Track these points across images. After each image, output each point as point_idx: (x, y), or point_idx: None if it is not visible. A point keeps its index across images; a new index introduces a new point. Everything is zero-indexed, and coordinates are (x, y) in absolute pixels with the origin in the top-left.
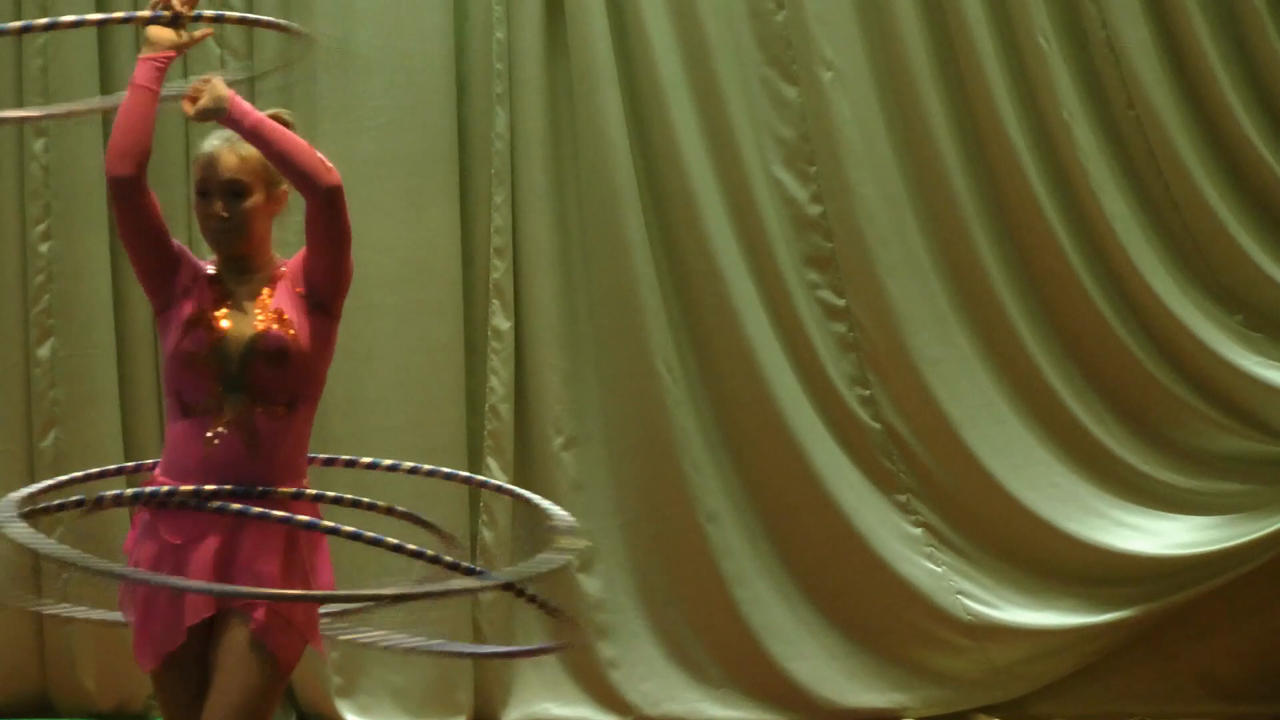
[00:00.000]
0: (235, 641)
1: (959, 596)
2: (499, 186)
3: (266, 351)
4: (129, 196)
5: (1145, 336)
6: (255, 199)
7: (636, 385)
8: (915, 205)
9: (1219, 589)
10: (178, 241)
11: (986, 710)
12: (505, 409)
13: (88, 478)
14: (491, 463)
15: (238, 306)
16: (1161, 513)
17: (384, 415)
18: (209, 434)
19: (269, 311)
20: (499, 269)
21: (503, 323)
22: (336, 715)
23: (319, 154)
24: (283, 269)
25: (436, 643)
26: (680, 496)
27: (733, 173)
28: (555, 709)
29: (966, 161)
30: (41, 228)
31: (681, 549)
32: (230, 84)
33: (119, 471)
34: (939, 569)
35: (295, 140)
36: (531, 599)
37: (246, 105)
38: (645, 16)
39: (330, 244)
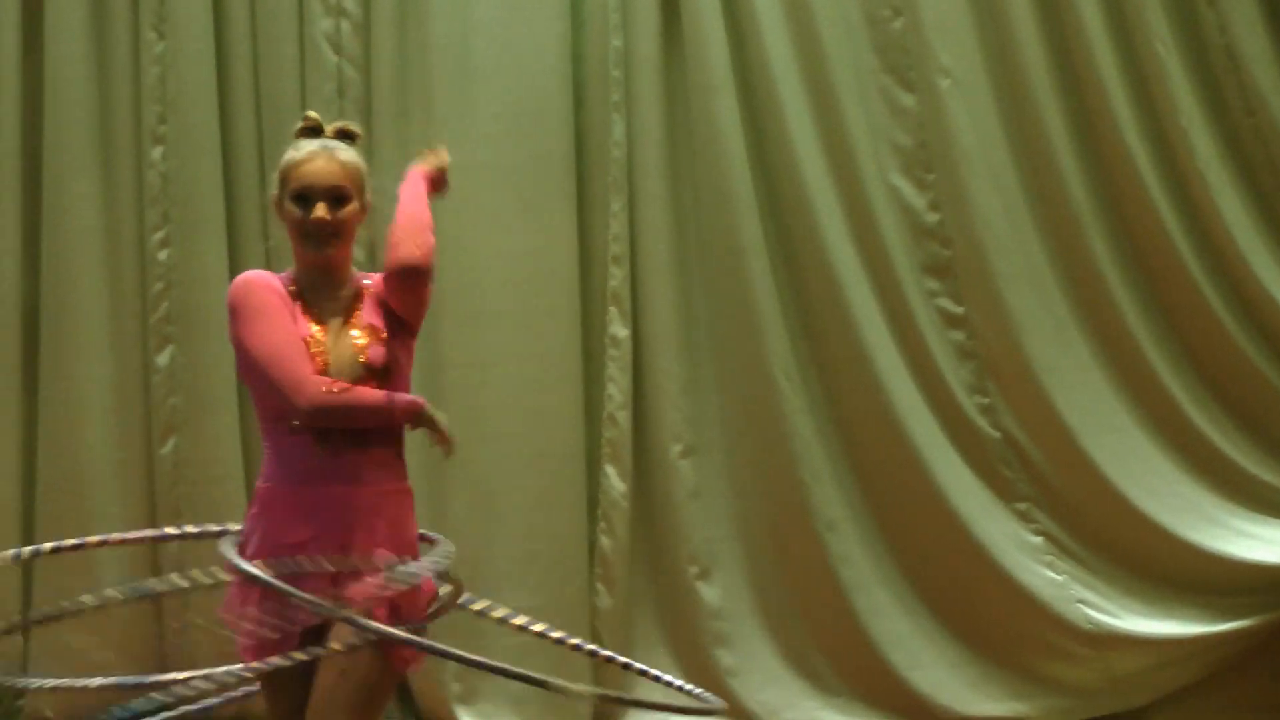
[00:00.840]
0: (350, 638)
1: (1079, 605)
2: (616, 194)
3: (371, 367)
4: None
5: (1266, 344)
6: (353, 206)
7: (754, 393)
8: (1033, 213)
9: None
10: (266, 278)
11: (1107, 719)
12: (623, 416)
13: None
14: (609, 470)
15: (335, 326)
16: (1269, 519)
17: (501, 422)
18: (322, 445)
19: (364, 327)
20: (616, 277)
21: (620, 330)
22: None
23: (428, 233)
24: (366, 282)
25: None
26: (799, 505)
27: (850, 180)
28: (674, 718)
29: (1084, 169)
30: (160, 235)
31: (800, 557)
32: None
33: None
34: (1059, 578)
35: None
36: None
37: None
38: (762, 24)
39: (410, 293)
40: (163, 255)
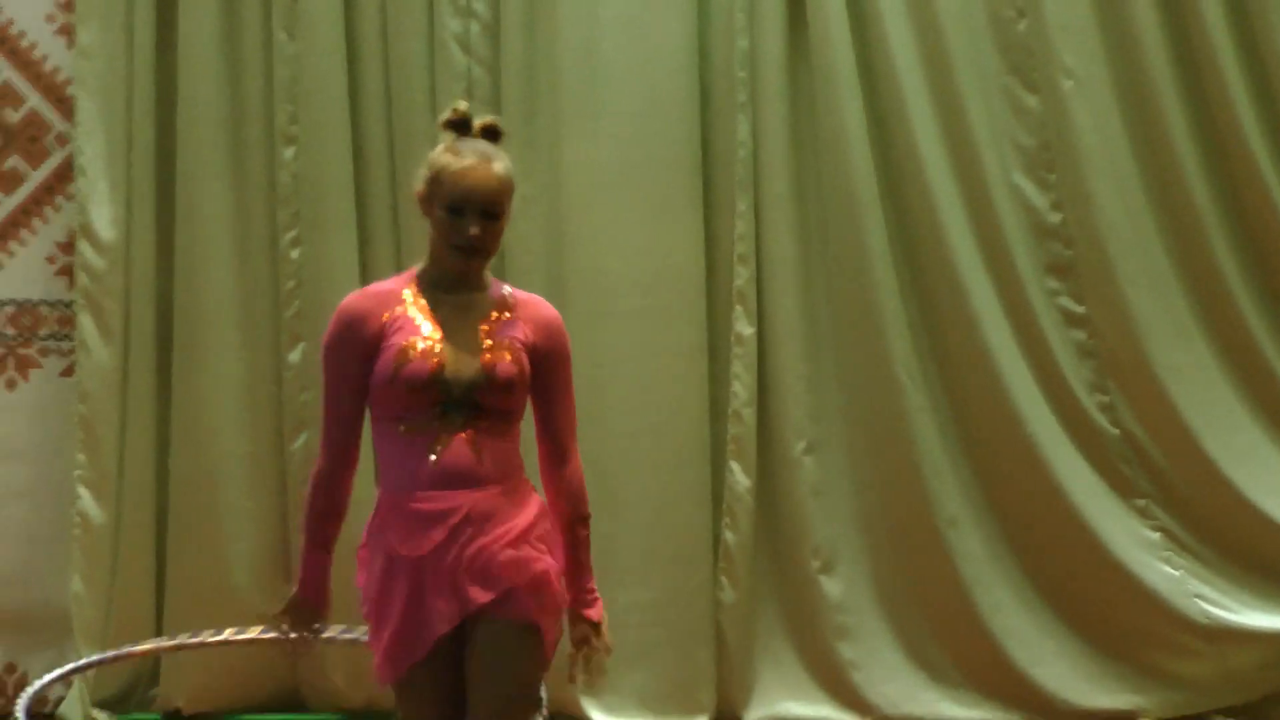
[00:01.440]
0: (503, 633)
1: (1196, 600)
2: (742, 194)
3: (493, 380)
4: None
5: None
6: (503, 222)
7: (877, 390)
8: (1155, 214)
9: None
10: (350, 344)
11: (1224, 713)
12: (748, 414)
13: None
14: (734, 466)
15: (455, 330)
16: None
17: (627, 420)
18: (436, 448)
19: (495, 338)
20: (742, 275)
21: (745, 328)
22: (584, 715)
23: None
24: (506, 291)
25: None
26: (920, 500)
27: (973, 180)
28: (796, 709)
29: (1207, 170)
30: (291, 234)
31: (921, 553)
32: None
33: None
34: (1176, 573)
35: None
36: None
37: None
38: (886, 24)
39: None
40: (294, 254)
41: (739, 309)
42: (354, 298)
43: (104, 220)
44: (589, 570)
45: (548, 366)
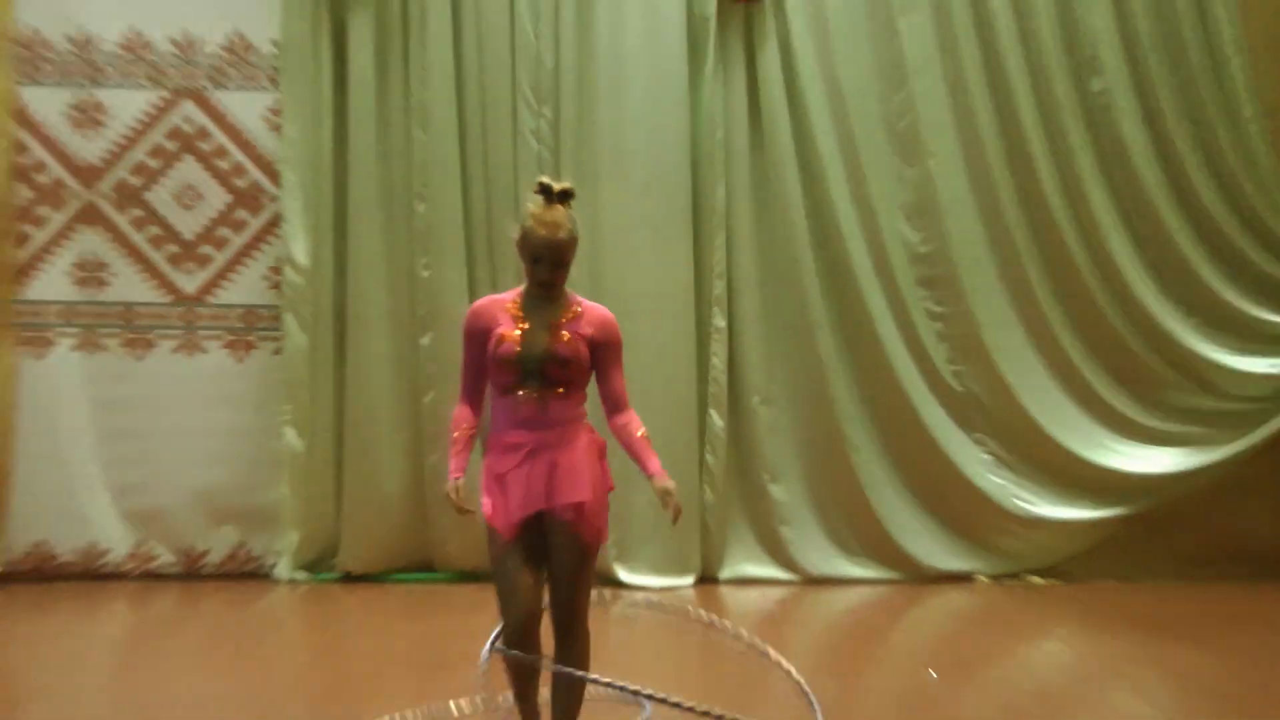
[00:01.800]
0: (563, 533)
1: (1014, 499)
2: (718, 232)
3: (556, 357)
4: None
5: (1139, 334)
6: (568, 266)
7: (807, 363)
8: (987, 245)
9: (1184, 496)
10: (477, 333)
11: (1031, 571)
12: (722, 378)
13: None
14: (713, 413)
15: (535, 328)
16: (1148, 445)
17: (642, 381)
18: (516, 403)
19: (559, 332)
20: (718, 287)
21: (720, 322)
22: (614, 574)
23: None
24: (579, 308)
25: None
26: (836, 435)
27: (870, 224)
28: (752, 569)
29: (1024, 216)
30: (423, 261)
31: (836, 468)
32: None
33: None
34: (1001, 482)
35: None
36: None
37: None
38: (813, 120)
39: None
40: (424, 274)
41: (716, 309)
42: (480, 302)
43: (300, 252)
44: (653, 457)
45: (602, 352)
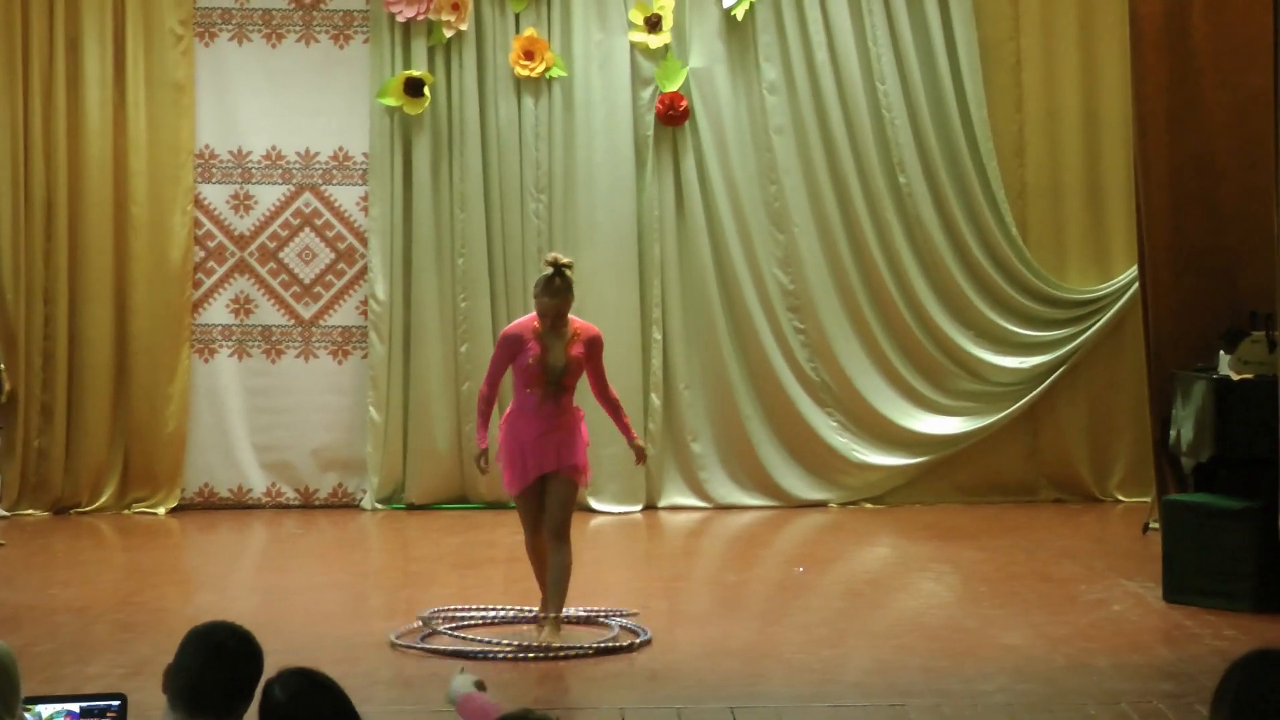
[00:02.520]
0: (561, 481)
1: (854, 451)
2: (656, 275)
3: (567, 371)
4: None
5: (934, 342)
6: (567, 314)
7: (714, 363)
8: (834, 282)
9: (963, 447)
10: (511, 346)
11: (867, 500)
12: (658, 373)
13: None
14: (653, 396)
15: (552, 348)
16: (940, 415)
17: (608, 375)
18: (541, 397)
19: (569, 351)
20: (656, 312)
21: (657, 335)
22: (588, 503)
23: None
24: (578, 331)
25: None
26: (733, 410)
27: (755, 270)
28: (680, 500)
29: (857, 268)
30: (462, 295)
31: (734, 433)
32: None
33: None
34: (844, 440)
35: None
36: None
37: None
38: (720, 207)
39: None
40: (463, 305)
41: (655, 327)
42: (511, 327)
43: (380, 290)
44: (630, 428)
45: (591, 358)
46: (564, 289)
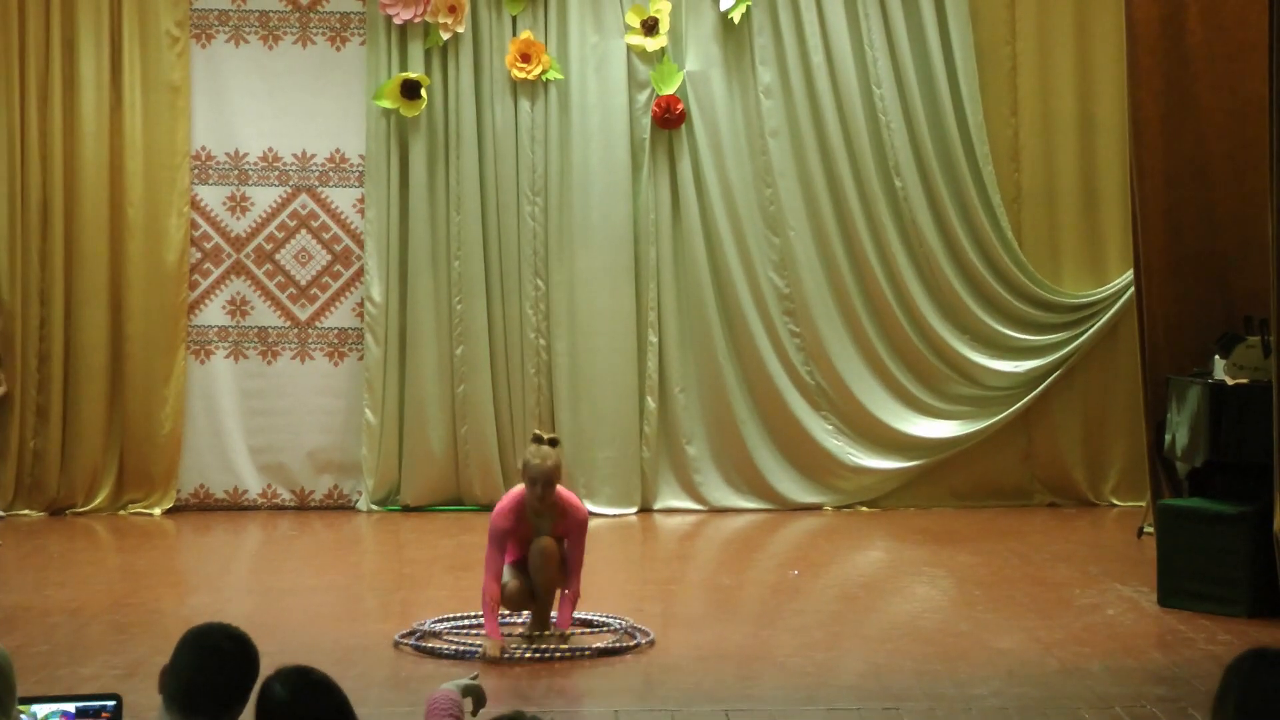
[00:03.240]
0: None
1: (849, 454)
2: (652, 279)
3: (556, 548)
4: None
5: (929, 347)
6: (556, 484)
7: (708, 365)
8: (829, 289)
9: (958, 451)
10: (502, 535)
11: (862, 503)
12: (654, 376)
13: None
14: (649, 399)
15: (543, 527)
16: (934, 418)
17: (600, 379)
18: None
19: (556, 532)
20: (652, 314)
21: (653, 338)
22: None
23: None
24: (565, 512)
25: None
26: (728, 412)
27: (751, 274)
28: (675, 502)
29: (852, 272)
30: (458, 298)
31: (728, 435)
32: None
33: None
34: (839, 443)
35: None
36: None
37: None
38: (715, 209)
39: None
40: (459, 307)
41: (650, 330)
42: (500, 514)
43: (377, 293)
44: (565, 614)
45: (572, 537)
46: (548, 460)
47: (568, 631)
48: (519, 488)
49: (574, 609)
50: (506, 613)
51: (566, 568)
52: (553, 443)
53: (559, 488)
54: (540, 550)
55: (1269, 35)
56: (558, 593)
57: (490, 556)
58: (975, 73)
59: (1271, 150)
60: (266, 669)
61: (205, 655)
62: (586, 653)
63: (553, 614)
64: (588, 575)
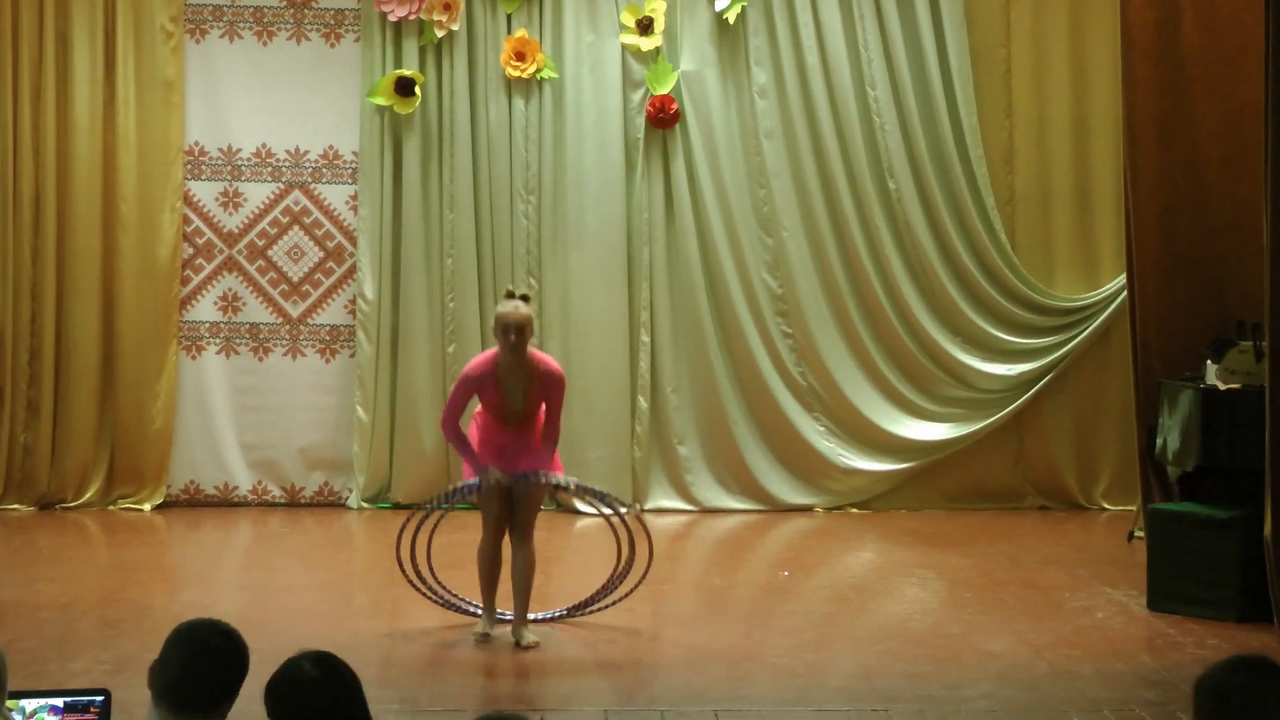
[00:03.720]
0: (530, 483)
1: (840, 456)
2: (645, 279)
3: (529, 409)
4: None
5: (922, 349)
6: (527, 334)
7: (701, 366)
8: (821, 290)
9: (950, 453)
10: (470, 388)
11: (853, 505)
12: (646, 375)
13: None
14: (640, 399)
15: (511, 392)
16: (927, 420)
17: (593, 379)
18: (504, 427)
19: (529, 393)
20: (644, 314)
21: (645, 338)
22: (573, 506)
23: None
24: (538, 372)
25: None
26: (720, 413)
27: (743, 274)
28: (666, 503)
29: (845, 273)
30: (450, 296)
31: (721, 436)
32: None
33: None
34: (830, 444)
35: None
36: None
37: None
38: (709, 210)
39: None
40: (451, 305)
41: (643, 330)
42: (472, 368)
43: (369, 290)
44: (548, 453)
45: (549, 396)
46: (518, 312)
47: (562, 479)
48: (491, 349)
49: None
50: (471, 602)
51: (546, 430)
52: (524, 299)
53: (532, 349)
54: (527, 496)
55: (1265, 41)
56: (550, 437)
57: (452, 404)
58: (970, 75)
59: (1266, 156)
60: (257, 665)
61: (194, 651)
62: (587, 496)
63: (551, 476)
64: (579, 574)
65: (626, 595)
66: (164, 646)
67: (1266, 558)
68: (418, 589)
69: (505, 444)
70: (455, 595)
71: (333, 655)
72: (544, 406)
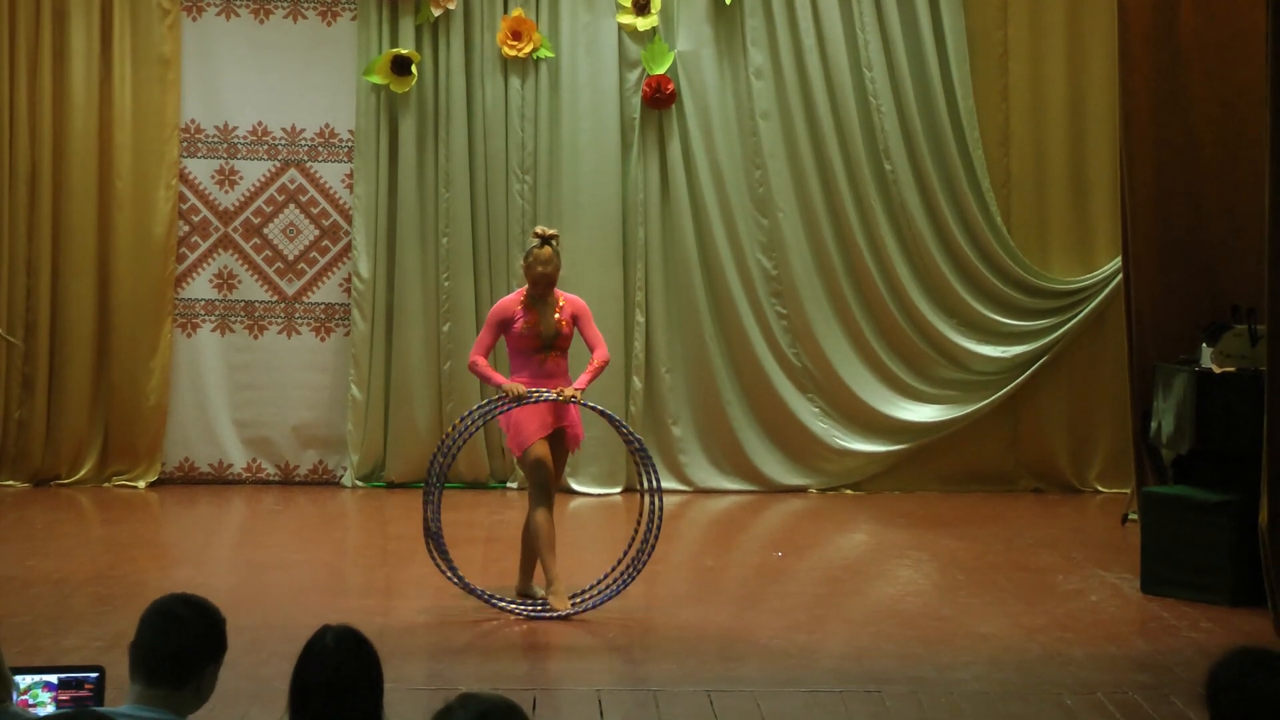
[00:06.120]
0: (563, 439)
1: (834, 437)
2: (640, 260)
3: (560, 334)
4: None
5: (916, 330)
6: (556, 279)
7: (695, 346)
8: (816, 271)
9: (943, 435)
10: (502, 319)
11: (846, 486)
12: (640, 355)
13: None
14: (635, 379)
15: (545, 315)
16: (920, 402)
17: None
18: (538, 361)
19: (560, 320)
20: (639, 294)
21: (640, 318)
22: (568, 485)
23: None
24: (564, 303)
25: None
26: (714, 393)
27: (739, 255)
28: (660, 483)
29: (840, 254)
30: (445, 274)
31: (714, 417)
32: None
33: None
34: (824, 425)
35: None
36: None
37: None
38: (705, 191)
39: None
40: (446, 284)
41: (637, 310)
42: (503, 301)
43: (364, 268)
44: (584, 376)
45: (580, 322)
46: (551, 260)
47: (570, 394)
48: (516, 290)
49: (594, 377)
50: (503, 599)
51: (592, 345)
52: (550, 244)
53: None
54: (561, 456)
55: (1267, 26)
56: (592, 361)
57: (482, 335)
58: (966, 57)
59: (1268, 139)
60: (247, 642)
61: (160, 623)
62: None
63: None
64: (572, 553)
65: (623, 586)
66: (138, 623)
67: (1261, 544)
68: (441, 569)
69: (536, 372)
70: (495, 595)
71: (357, 631)
72: (583, 337)
